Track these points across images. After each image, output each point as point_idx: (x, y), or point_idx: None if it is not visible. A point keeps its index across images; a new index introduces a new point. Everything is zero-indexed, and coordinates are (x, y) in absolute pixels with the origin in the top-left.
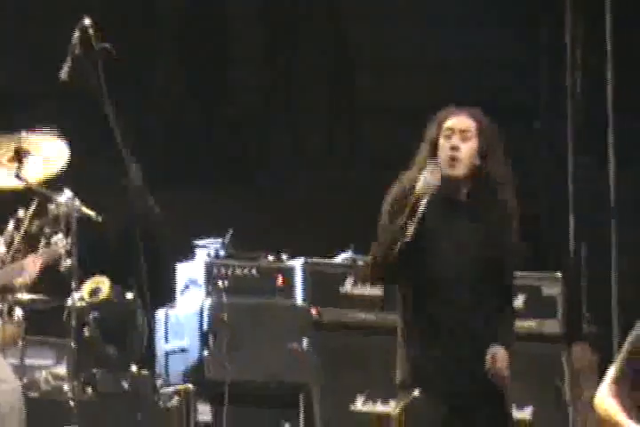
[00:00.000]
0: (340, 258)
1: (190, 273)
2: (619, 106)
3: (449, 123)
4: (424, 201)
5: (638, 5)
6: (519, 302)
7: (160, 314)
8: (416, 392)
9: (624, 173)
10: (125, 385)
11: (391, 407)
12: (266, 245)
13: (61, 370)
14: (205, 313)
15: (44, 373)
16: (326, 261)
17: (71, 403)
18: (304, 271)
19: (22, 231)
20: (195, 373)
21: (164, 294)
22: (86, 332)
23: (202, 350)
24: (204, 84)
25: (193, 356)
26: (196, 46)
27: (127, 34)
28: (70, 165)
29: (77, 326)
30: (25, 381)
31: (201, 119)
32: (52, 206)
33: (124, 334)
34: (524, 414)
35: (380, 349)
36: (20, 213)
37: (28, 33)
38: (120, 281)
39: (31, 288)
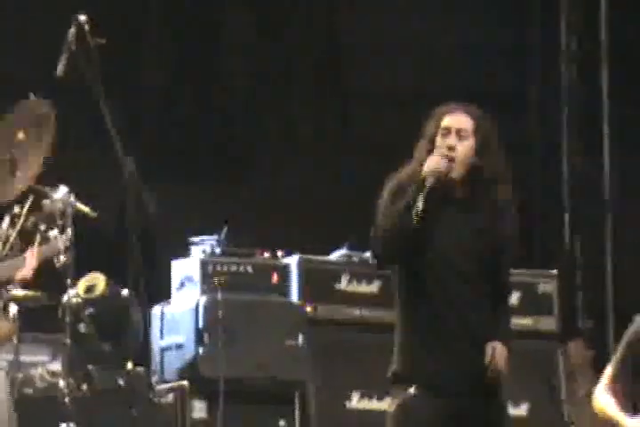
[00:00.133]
0: (335, 255)
1: (186, 270)
2: (613, 93)
3: (446, 121)
4: (429, 182)
5: None
6: (515, 299)
7: (155, 311)
8: (412, 389)
9: (619, 164)
10: (121, 382)
11: (387, 404)
12: (261, 242)
13: (57, 367)
14: (201, 310)
15: (39, 369)
16: (321, 258)
17: (66, 400)
18: (299, 268)
19: (18, 227)
20: (190, 369)
21: (159, 290)
22: (82, 328)
23: (197, 346)
24: (191, 71)
25: (188, 353)
26: (184, 32)
27: (113, 21)
28: (64, 160)
29: (73, 323)
30: (20, 377)
31: (190, 110)
32: (47, 202)
33: (119, 331)
34: (519, 410)
35: (375, 345)
36: (16, 209)
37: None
38: (116, 278)
39: (27, 284)
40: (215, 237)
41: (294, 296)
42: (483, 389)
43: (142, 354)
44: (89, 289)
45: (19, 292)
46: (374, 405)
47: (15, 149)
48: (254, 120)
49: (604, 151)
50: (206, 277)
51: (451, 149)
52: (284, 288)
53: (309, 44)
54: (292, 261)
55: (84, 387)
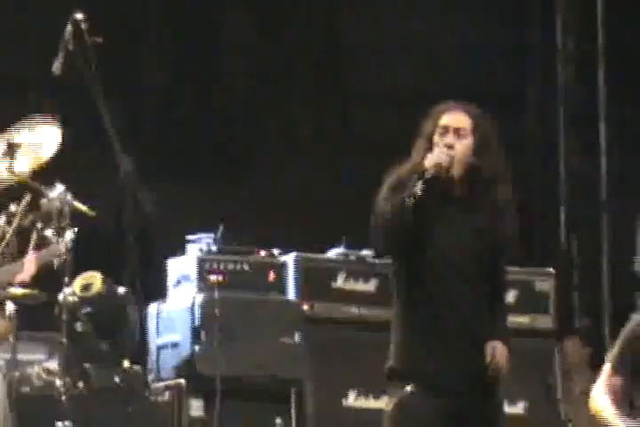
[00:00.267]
0: (332, 253)
1: (182, 268)
2: (611, 93)
3: (444, 120)
4: (429, 173)
5: None
6: (512, 297)
7: (152, 309)
8: (409, 387)
9: (615, 164)
10: (117, 380)
11: (384, 403)
12: (261, 242)
13: (53, 365)
14: (197, 308)
15: (35, 368)
16: (318, 256)
17: (63, 398)
18: (296, 266)
19: (15, 226)
20: (186, 368)
21: (155, 288)
22: (78, 327)
23: (194, 344)
24: (191, 71)
25: (185, 351)
26: (184, 32)
27: (113, 21)
28: (62, 158)
29: (69, 321)
30: (17, 376)
31: (190, 110)
32: (44, 201)
33: (115, 329)
34: (516, 409)
35: (372, 344)
36: (12, 207)
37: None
38: (112, 276)
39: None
40: (212, 234)
41: (291, 294)
42: (482, 388)
43: (139, 352)
44: (85, 288)
45: (15, 290)
46: (371, 403)
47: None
48: (254, 120)
49: (600, 151)
50: (202, 275)
51: (449, 147)
52: (281, 286)
53: (309, 44)
54: (289, 259)
55: (81, 385)
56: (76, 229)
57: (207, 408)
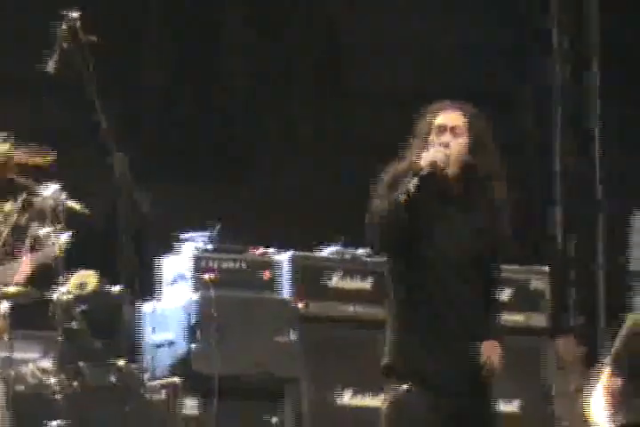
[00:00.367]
0: (328, 251)
1: (178, 266)
2: (606, 93)
3: (439, 119)
4: (425, 171)
5: None
6: (507, 295)
7: (147, 307)
8: (405, 386)
9: (610, 164)
10: (112, 379)
11: (379, 401)
12: (257, 240)
13: (48, 364)
14: (193, 306)
15: (30, 366)
16: (314, 254)
17: (58, 397)
18: (291, 265)
19: (11, 224)
20: (182, 366)
21: (151, 287)
22: (73, 325)
23: (189, 343)
24: (191, 71)
25: (180, 349)
26: (184, 32)
27: (113, 21)
28: (59, 157)
29: (64, 320)
30: (11, 375)
31: (190, 110)
32: (37, 200)
33: (110, 328)
34: (511, 407)
35: (367, 342)
36: (7, 206)
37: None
38: (108, 275)
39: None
40: (207, 233)
41: (286, 292)
42: (480, 388)
43: (134, 351)
44: (80, 286)
45: (10, 288)
46: (367, 401)
47: None
48: (254, 120)
49: (596, 151)
50: (198, 273)
51: (445, 146)
52: (276, 285)
53: (309, 44)
54: (285, 257)
55: (76, 384)
56: (71, 232)
57: (202, 407)
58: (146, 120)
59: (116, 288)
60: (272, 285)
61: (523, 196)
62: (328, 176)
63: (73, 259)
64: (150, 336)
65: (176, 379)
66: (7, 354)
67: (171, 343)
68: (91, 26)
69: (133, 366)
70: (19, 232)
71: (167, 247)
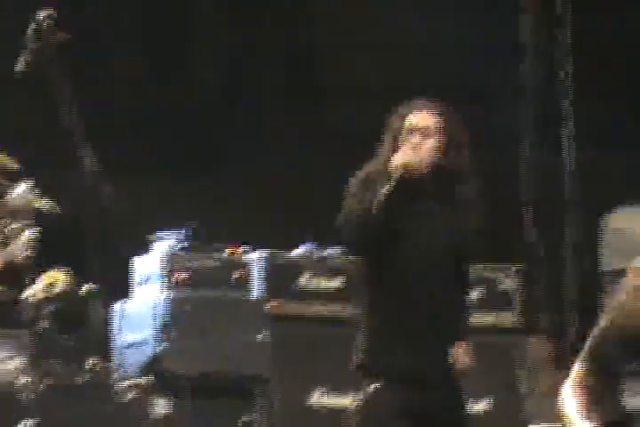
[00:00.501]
0: (300, 250)
1: (147, 266)
2: (577, 92)
3: (411, 119)
4: (397, 175)
5: None
6: (476, 294)
7: (117, 307)
8: (374, 385)
9: (582, 161)
10: (82, 378)
11: (350, 400)
12: (225, 238)
13: (17, 363)
14: (163, 306)
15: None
16: (285, 253)
17: (27, 396)
18: (262, 264)
19: None
20: (152, 366)
21: (122, 286)
22: (43, 324)
23: (160, 342)
24: (161, 65)
25: (150, 349)
26: (155, 26)
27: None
28: (28, 156)
29: (33, 319)
30: None
31: (159, 103)
32: (9, 197)
33: (81, 327)
34: (481, 406)
35: (338, 341)
36: None
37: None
38: (77, 274)
39: None
40: (179, 232)
41: (258, 292)
42: (451, 385)
43: (104, 350)
44: (50, 285)
45: None
46: (337, 400)
47: None
48: (225, 112)
49: (568, 149)
50: (167, 273)
51: (416, 147)
52: (246, 284)
53: (292, 40)
54: (256, 256)
55: (45, 383)
56: (37, 229)
57: (172, 406)
58: (116, 114)
59: (87, 288)
60: (242, 284)
61: (495, 195)
62: (300, 174)
63: (43, 258)
64: (120, 336)
65: (146, 378)
66: None
67: (140, 343)
68: (64, 21)
69: (104, 365)
70: None
71: (135, 245)
